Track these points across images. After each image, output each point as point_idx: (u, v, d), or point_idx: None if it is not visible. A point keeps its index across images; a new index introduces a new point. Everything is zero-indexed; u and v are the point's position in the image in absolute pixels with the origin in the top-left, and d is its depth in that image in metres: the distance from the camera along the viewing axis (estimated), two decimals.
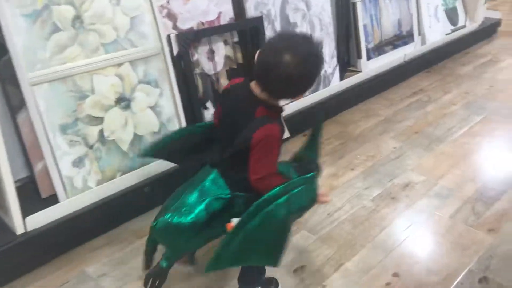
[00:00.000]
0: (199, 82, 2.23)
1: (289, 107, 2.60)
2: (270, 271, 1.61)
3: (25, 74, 1.69)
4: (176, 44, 2.09)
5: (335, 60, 2.87)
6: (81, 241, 1.89)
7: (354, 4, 2.96)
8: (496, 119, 2.89)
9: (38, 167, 1.84)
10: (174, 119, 2.11)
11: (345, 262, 1.78)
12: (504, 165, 2.40)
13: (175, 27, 2.12)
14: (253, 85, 1.29)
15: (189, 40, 2.13)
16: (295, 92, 1.29)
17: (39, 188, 1.85)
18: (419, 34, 3.53)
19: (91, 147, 1.87)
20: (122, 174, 1.96)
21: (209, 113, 2.27)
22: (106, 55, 1.88)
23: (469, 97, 3.22)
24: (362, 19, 3.02)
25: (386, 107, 3.09)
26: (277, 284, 1.60)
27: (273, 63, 1.20)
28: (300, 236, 1.92)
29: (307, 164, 1.45)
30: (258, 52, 1.26)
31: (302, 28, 2.65)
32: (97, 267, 1.80)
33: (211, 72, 2.28)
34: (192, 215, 1.29)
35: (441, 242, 1.88)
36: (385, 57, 3.24)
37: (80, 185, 1.85)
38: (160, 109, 2.06)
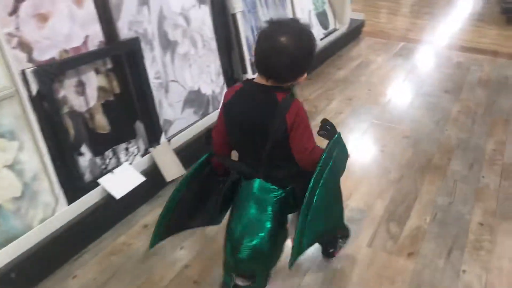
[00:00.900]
0: (69, 124, 1.81)
1: (180, 137, 2.29)
2: None
3: None
4: (34, 81, 1.65)
5: (221, 78, 2.62)
6: None
7: (234, 16, 2.74)
8: (382, 125, 2.91)
9: None
10: (42, 176, 1.67)
11: None
12: (403, 174, 2.39)
13: (31, 59, 1.67)
14: (259, 79, 1.30)
15: (51, 74, 1.70)
16: (300, 71, 1.29)
17: None
18: None
19: None
20: None
21: (85, 159, 1.86)
22: None
23: (353, 104, 3.22)
24: (244, 31, 2.81)
25: None
26: (347, 230, 1.80)
27: (271, 49, 1.24)
28: None
29: (324, 128, 1.41)
30: (254, 46, 1.28)
31: (184, 46, 2.35)
32: None
33: (83, 109, 1.87)
34: (267, 228, 1.31)
35: (366, 277, 1.76)
36: None
37: None
38: (21, 167, 1.61)
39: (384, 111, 3.12)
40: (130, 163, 2.01)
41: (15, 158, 1.59)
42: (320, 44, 3.76)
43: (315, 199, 1.26)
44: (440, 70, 3.89)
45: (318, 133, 1.39)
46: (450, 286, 1.74)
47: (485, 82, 3.68)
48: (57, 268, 1.75)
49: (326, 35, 3.92)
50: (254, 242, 1.30)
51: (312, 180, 1.26)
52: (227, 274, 1.45)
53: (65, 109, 1.79)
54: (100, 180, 1.88)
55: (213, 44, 2.57)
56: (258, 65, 1.29)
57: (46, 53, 1.72)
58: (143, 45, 2.09)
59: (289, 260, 1.30)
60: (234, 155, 1.46)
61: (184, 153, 2.24)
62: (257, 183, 1.33)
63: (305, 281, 1.72)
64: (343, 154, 1.41)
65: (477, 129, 2.91)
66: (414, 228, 2.02)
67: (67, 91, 1.80)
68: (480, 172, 2.44)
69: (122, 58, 2.01)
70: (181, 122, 2.33)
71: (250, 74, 2.85)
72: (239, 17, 2.76)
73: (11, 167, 1.58)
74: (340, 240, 1.80)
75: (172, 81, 2.27)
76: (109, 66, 1.97)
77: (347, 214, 2.06)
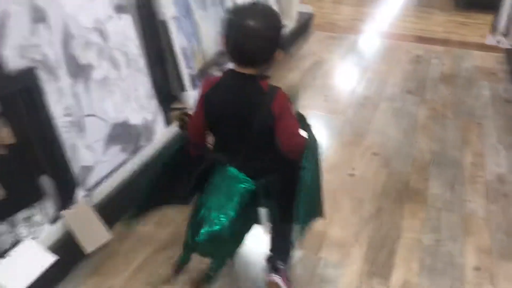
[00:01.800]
0: None
1: (104, 187, 1.81)
2: None
3: None
4: None
5: (154, 102, 2.14)
6: None
7: (164, 23, 2.26)
8: (346, 141, 2.54)
9: None
10: None
11: None
12: (380, 206, 2.03)
13: None
14: (237, 69, 1.27)
15: None
16: (275, 50, 1.27)
17: None
18: None
19: None
20: None
21: None
22: None
23: (309, 115, 2.83)
24: (179, 40, 2.33)
25: None
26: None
27: (244, 36, 1.22)
28: None
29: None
30: (222, 38, 1.26)
31: (101, 69, 1.85)
32: None
33: None
34: (230, 216, 1.26)
35: None
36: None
37: None
38: None
39: (346, 122, 2.75)
40: (34, 238, 1.51)
41: None
42: None
43: (309, 179, 1.31)
44: (400, 67, 3.57)
45: None
46: None
47: (448, 77, 3.39)
48: None
49: None
50: (214, 228, 1.26)
51: (303, 168, 1.30)
52: (185, 253, 1.41)
53: None
54: None
55: (141, 62, 2.08)
56: (234, 55, 1.27)
57: None
58: (43, 75, 1.59)
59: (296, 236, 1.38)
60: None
61: (111, 207, 1.77)
62: (230, 171, 1.32)
63: None
64: (314, 142, 1.39)
65: (450, 137, 2.60)
66: (401, 283, 1.66)
67: None
68: (463, 195, 2.12)
69: (14, 97, 1.50)
70: (104, 166, 1.85)
71: (190, 91, 2.39)
72: (171, 24, 2.28)
73: None
74: (290, 257, 1.63)
75: (88, 115, 1.78)
76: None
77: (319, 271, 1.68)
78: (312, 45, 4.00)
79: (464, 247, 1.82)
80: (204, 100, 1.33)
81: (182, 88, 2.37)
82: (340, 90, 3.17)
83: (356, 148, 2.48)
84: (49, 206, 1.60)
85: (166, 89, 2.35)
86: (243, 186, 1.30)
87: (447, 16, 4.85)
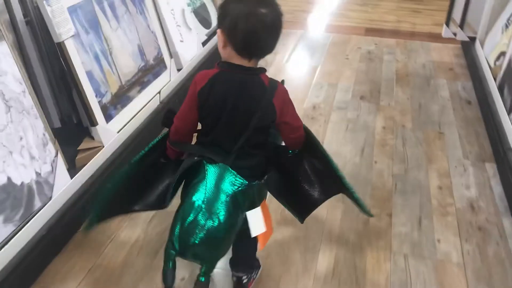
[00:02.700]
0: None
1: None
2: None
3: None
4: None
5: (50, 149, 1.69)
6: None
7: (61, 45, 1.80)
8: None
9: None
10: None
11: None
12: (337, 258, 1.69)
13: None
14: (238, 60, 1.22)
15: None
16: (278, 38, 1.24)
17: None
18: (171, 56, 2.57)
19: None
20: None
21: None
22: None
23: None
24: (82, 64, 1.88)
25: None
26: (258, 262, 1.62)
27: (260, 26, 1.17)
28: None
29: None
30: (223, 31, 1.19)
31: None
32: None
33: None
34: (223, 216, 1.19)
35: None
36: (133, 105, 2.19)
37: None
38: None
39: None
40: None
41: None
42: (203, 51, 2.91)
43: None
44: (350, 66, 3.24)
45: None
46: None
47: (403, 77, 3.09)
48: None
49: (210, 37, 3.08)
50: (210, 226, 1.19)
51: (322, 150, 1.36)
52: (168, 259, 1.23)
53: None
54: None
55: (27, 100, 1.62)
56: (246, 47, 1.20)
57: None
58: None
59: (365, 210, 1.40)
60: None
61: None
62: (221, 168, 1.23)
63: None
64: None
65: (412, 153, 2.29)
66: None
67: None
68: (433, 233, 1.81)
69: None
70: None
71: (103, 125, 1.95)
72: (69, 45, 1.83)
73: None
74: (255, 271, 1.59)
75: None
76: None
77: None
78: None
79: None
80: (198, 97, 1.24)
81: (91, 122, 1.92)
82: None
83: None
84: None
85: (71, 126, 1.91)
86: (237, 184, 1.23)
87: (398, 2, 4.57)
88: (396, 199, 1.99)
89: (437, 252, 1.72)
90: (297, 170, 1.37)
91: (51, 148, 1.69)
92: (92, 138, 1.94)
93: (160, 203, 1.35)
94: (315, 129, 2.49)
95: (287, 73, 3.16)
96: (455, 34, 3.30)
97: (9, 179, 1.51)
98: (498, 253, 1.72)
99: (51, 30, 1.77)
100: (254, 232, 1.25)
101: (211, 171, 1.23)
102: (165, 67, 2.50)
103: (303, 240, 1.77)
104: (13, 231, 1.51)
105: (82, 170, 1.80)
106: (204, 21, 3.12)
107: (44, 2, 1.73)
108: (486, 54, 2.88)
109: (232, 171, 1.22)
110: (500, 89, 2.44)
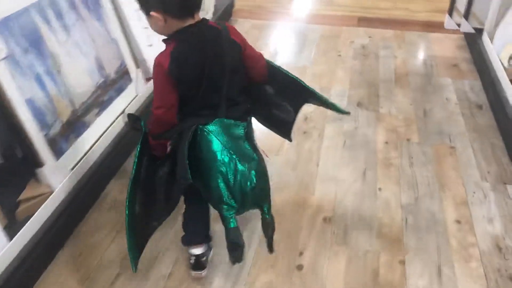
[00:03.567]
0: None
1: None
2: None
3: None
4: None
5: None
6: None
7: None
8: (286, 198, 1.85)
9: None
10: None
11: None
12: None
13: None
14: (184, 24, 1.24)
15: None
16: None
17: None
18: (138, 65, 2.19)
19: None
20: None
21: None
22: None
23: None
24: (19, 90, 1.51)
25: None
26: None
27: None
28: None
29: None
30: (155, 11, 1.21)
31: None
32: None
33: None
34: (254, 158, 1.31)
35: None
36: (91, 133, 1.83)
37: None
38: None
39: (283, 167, 2.05)
40: None
41: None
42: None
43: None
44: (343, 65, 2.89)
45: None
46: None
47: (403, 76, 2.76)
48: None
49: None
50: (251, 166, 1.29)
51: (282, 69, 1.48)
52: (229, 220, 1.31)
53: None
54: None
55: None
56: (185, 4, 1.23)
57: None
58: None
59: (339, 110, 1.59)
60: None
61: None
62: (222, 121, 1.29)
63: None
64: None
65: (421, 176, 1.98)
66: None
67: None
68: (456, 286, 1.51)
69: None
70: None
71: (51, 165, 1.58)
72: (0, 70, 1.45)
73: None
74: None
75: None
76: None
77: None
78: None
79: None
80: (171, 76, 1.24)
81: (35, 162, 1.55)
82: None
83: (301, 213, 1.79)
84: None
85: (14, 162, 1.54)
86: (241, 127, 1.32)
87: None
88: (408, 240, 1.67)
89: None
90: (264, 99, 1.45)
91: None
92: (39, 181, 1.58)
93: (173, 205, 1.38)
94: (308, 147, 2.15)
95: None
96: (459, 25, 2.96)
97: None
98: None
99: None
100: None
101: (214, 129, 1.28)
102: (130, 79, 2.12)
103: None
104: None
105: (24, 227, 1.44)
106: None
107: None
108: (497, 50, 2.55)
109: (229, 120, 1.30)
110: None
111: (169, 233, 1.67)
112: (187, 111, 1.30)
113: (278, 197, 1.82)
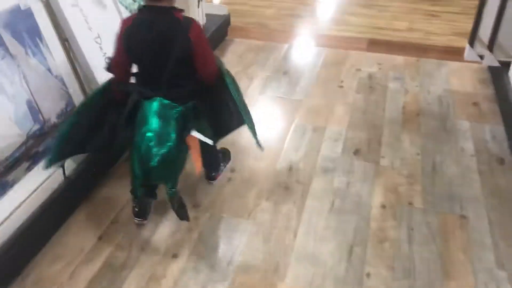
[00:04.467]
0: None
1: None
2: None
3: None
4: None
5: None
6: None
7: None
8: (253, 283, 1.50)
9: None
10: None
11: None
12: None
13: None
14: (151, 3, 1.44)
15: None
16: None
17: None
18: None
19: None
20: None
21: None
22: None
23: (203, 239, 1.76)
24: None
25: None
26: (229, 153, 2.00)
27: None
28: None
29: None
30: None
31: None
32: None
33: None
34: (173, 138, 1.43)
35: None
36: (17, 192, 1.52)
37: None
38: None
39: (254, 237, 1.70)
40: None
41: None
42: None
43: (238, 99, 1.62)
44: (344, 99, 2.52)
45: None
46: None
47: (412, 117, 2.37)
48: None
49: None
50: (163, 151, 1.42)
51: (232, 91, 1.59)
52: (136, 186, 1.51)
53: None
54: None
55: None
56: None
57: None
58: None
59: (257, 142, 1.67)
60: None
61: None
62: (157, 101, 1.43)
63: None
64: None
65: (421, 258, 1.60)
66: None
67: None
68: None
69: None
70: None
71: None
72: None
73: None
74: (222, 164, 1.91)
75: None
76: None
77: None
78: (238, 60, 2.89)
79: None
80: (123, 39, 1.46)
81: None
82: (251, 164, 2.06)
83: None
84: None
85: None
86: (174, 111, 1.43)
87: (411, 3, 3.78)
88: None
89: None
90: (219, 100, 1.62)
91: None
92: None
93: (108, 147, 1.61)
94: (287, 210, 1.80)
95: (259, 110, 2.44)
96: (481, 57, 2.55)
97: None
98: None
99: None
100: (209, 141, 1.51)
101: (149, 105, 1.43)
102: None
103: None
104: None
105: None
106: None
107: None
108: None
109: (166, 100, 1.43)
110: None
111: None
112: (138, 80, 1.54)
113: (240, 279, 1.46)
